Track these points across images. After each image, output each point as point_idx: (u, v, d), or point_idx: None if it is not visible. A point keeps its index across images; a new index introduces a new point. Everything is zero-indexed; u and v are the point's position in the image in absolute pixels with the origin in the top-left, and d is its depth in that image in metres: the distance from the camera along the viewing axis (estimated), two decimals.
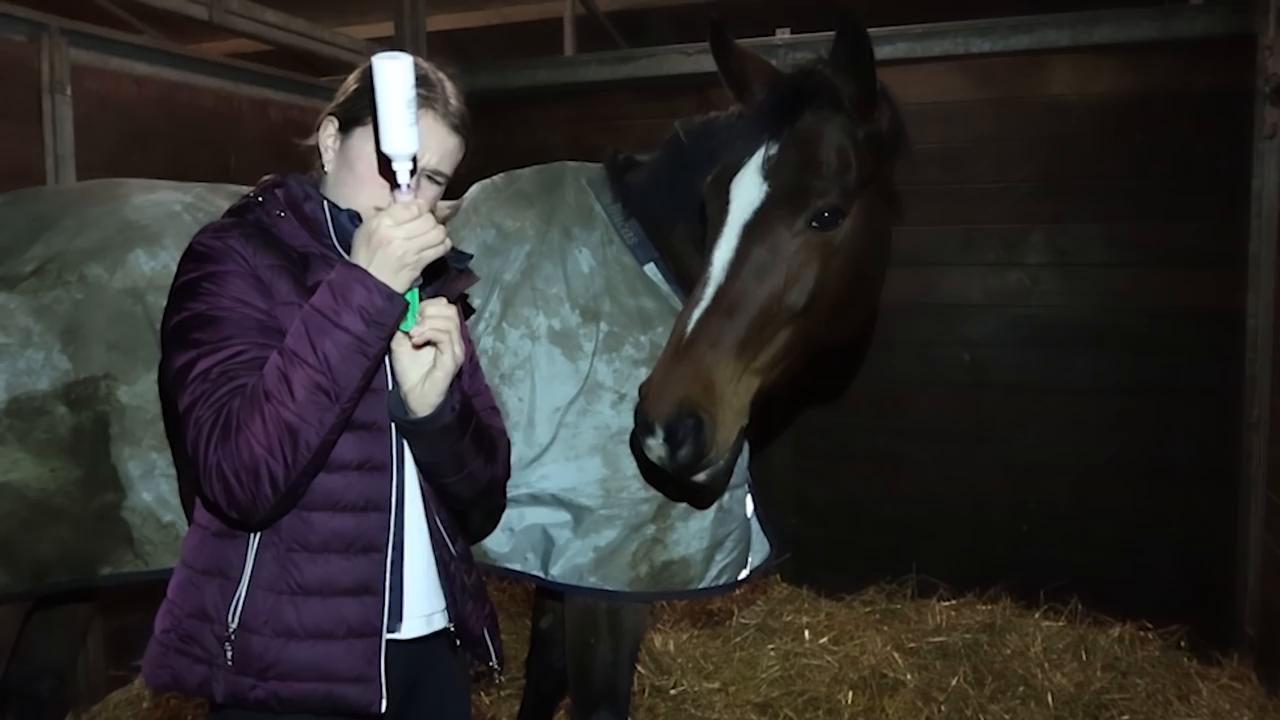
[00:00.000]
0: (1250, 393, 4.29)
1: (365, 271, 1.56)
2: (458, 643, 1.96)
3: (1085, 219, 4.59)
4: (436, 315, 1.66)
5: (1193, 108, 4.39)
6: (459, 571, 1.92)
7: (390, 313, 1.58)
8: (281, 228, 1.79)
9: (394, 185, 1.60)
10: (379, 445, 1.75)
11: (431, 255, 1.60)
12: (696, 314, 2.18)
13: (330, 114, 1.84)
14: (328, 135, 1.84)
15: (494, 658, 2.00)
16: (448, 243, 1.63)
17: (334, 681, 1.67)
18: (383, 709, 1.69)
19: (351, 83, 1.84)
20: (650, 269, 2.66)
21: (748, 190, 2.24)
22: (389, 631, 1.74)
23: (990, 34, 4.67)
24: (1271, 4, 4.06)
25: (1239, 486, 4.34)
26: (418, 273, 1.60)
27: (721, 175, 2.29)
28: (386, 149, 1.58)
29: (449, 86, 1.83)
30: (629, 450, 2.51)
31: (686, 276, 2.59)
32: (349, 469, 1.72)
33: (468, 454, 1.85)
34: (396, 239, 1.55)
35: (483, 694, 3.97)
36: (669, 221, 2.65)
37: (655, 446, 2.13)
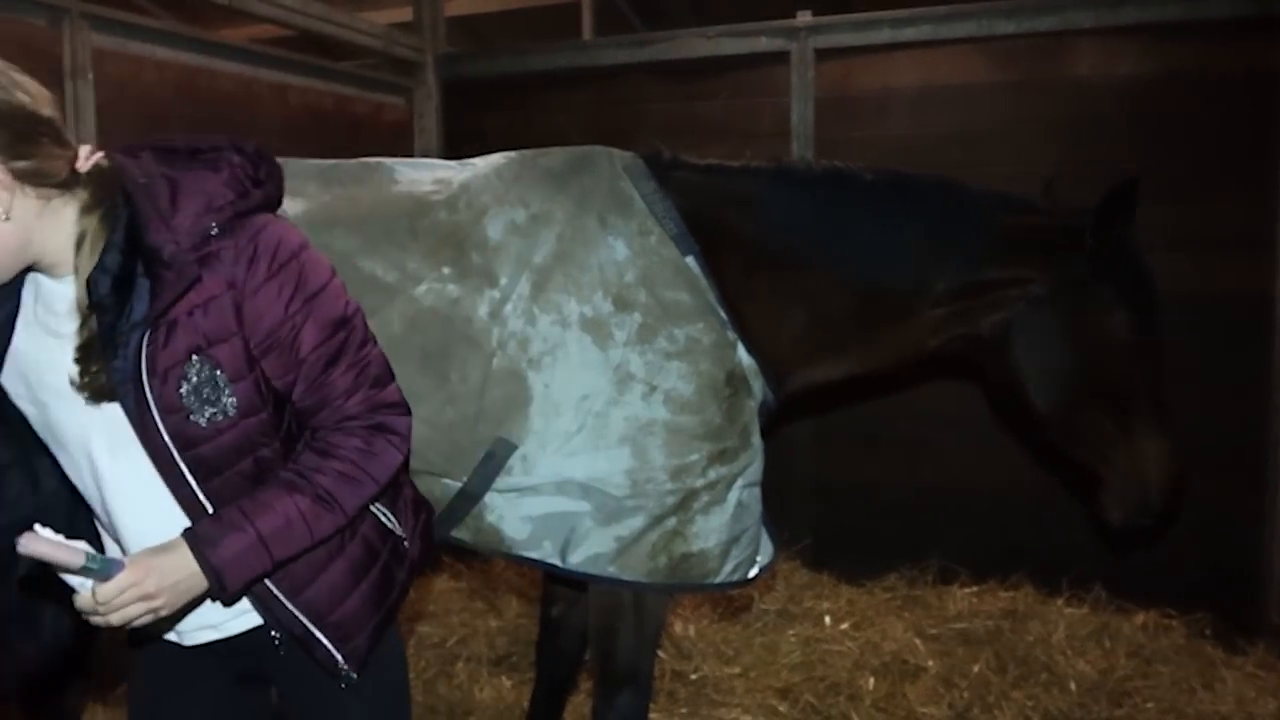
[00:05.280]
0: (1277, 377, 4.24)
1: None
2: (276, 641, 1.81)
3: None
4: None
5: (1219, 90, 4.32)
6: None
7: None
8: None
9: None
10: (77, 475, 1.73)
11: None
12: None
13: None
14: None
15: (340, 657, 1.76)
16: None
17: None
18: None
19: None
20: (690, 261, 2.65)
21: None
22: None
23: (1014, 15, 4.61)
24: None
25: (1265, 472, 4.30)
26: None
27: None
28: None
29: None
30: (658, 441, 2.52)
31: (736, 287, 2.69)
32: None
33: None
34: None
35: (504, 678, 3.99)
36: (802, 252, 2.76)
37: None
